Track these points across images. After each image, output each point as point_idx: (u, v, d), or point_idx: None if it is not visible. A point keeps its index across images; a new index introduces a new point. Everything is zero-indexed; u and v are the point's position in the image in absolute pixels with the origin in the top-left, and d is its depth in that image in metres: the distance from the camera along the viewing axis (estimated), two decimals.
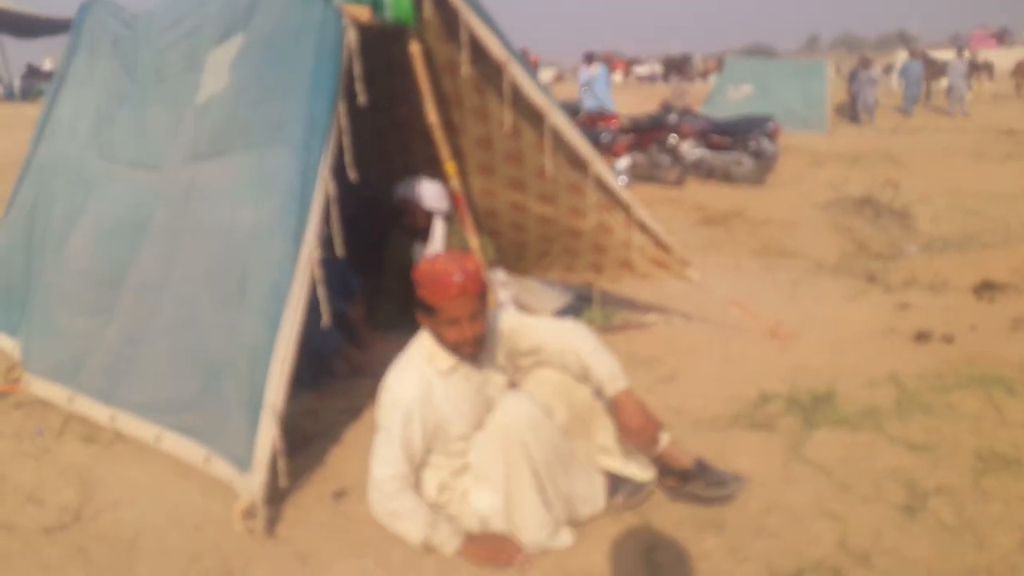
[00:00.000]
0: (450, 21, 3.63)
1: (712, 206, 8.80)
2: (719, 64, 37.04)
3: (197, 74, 3.75)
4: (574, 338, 2.46)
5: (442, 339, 2.30)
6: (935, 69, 21.36)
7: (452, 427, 2.35)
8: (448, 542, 2.34)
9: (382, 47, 3.80)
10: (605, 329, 4.63)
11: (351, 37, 3.11)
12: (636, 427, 2.38)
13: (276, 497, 2.65)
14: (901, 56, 33.57)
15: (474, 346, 2.29)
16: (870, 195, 8.70)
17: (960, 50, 21.31)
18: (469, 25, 3.54)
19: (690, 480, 2.60)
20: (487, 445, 2.36)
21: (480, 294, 2.25)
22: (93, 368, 3.43)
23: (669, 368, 3.93)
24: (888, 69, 34.14)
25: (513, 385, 2.59)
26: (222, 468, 2.72)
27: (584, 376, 2.47)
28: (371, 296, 4.56)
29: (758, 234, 7.37)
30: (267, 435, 2.57)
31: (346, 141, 3.10)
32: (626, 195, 4.29)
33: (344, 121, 3.08)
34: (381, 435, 2.32)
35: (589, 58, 14.16)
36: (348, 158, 3.11)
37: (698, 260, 5.83)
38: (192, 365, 3.01)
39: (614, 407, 2.43)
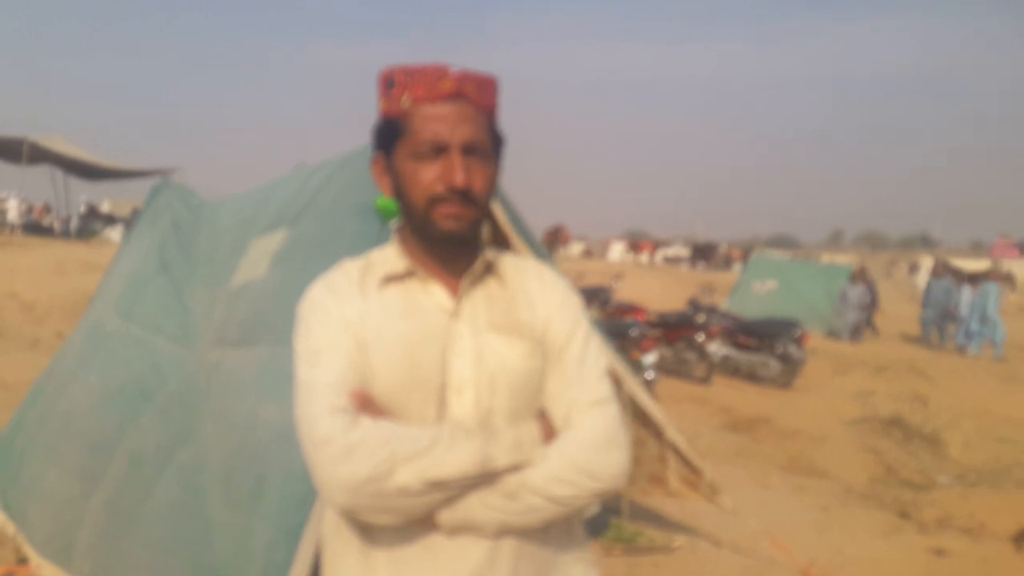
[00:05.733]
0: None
1: (739, 410, 8.76)
2: (744, 254, 38.28)
3: (237, 258, 3.85)
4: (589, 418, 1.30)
5: (411, 193, 1.29)
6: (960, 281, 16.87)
7: (376, 369, 1.27)
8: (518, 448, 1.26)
9: None
10: (630, 550, 4.51)
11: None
12: None
13: None
14: (926, 261, 34.22)
15: (464, 207, 1.27)
16: (899, 415, 8.63)
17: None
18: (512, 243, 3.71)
19: None
20: None
21: (488, 117, 1.32)
22: (80, 546, 3.24)
23: None
24: (913, 269, 34.59)
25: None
26: None
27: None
28: None
29: (786, 447, 7.28)
30: None
31: None
32: (659, 414, 4.31)
33: None
34: (302, 376, 1.27)
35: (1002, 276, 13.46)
36: None
37: (726, 471, 5.77)
38: (194, 563, 2.81)
39: None
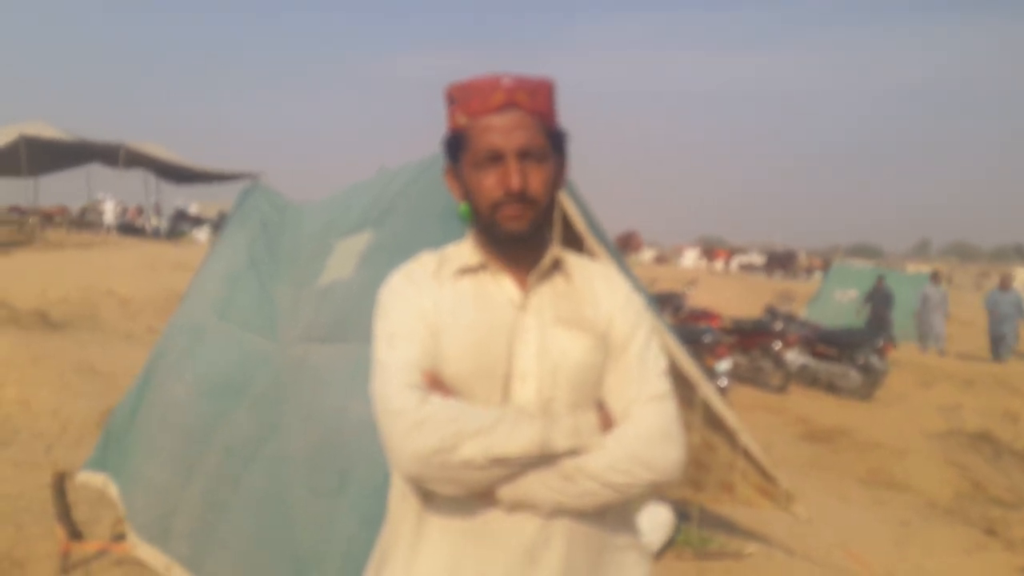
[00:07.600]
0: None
1: (816, 420, 8.55)
2: (824, 263, 37.18)
3: (323, 259, 4.00)
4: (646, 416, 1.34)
5: (476, 199, 1.37)
6: None
7: (446, 354, 1.35)
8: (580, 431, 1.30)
9: None
10: (700, 553, 4.48)
11: None
12: None
13: None
14: (1020, 273, 32.47)
15: (523, 208, 1.34)
16: (988, 431, 8.28)
17: None
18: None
19: None
20: None
21: (543, 121, 1.37)
22: (179, 531, 3.44)
23: None
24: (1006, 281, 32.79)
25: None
26: None
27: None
28: None
29: (865, 459, 7.07)
30: None
31: None
32: (733, 420, 4.27)
33: None
34: (380, 356, 1.43)
35: None
36: None
37: (801, 481, 5.65)
38: (280, 550, 2.95)
39: None
